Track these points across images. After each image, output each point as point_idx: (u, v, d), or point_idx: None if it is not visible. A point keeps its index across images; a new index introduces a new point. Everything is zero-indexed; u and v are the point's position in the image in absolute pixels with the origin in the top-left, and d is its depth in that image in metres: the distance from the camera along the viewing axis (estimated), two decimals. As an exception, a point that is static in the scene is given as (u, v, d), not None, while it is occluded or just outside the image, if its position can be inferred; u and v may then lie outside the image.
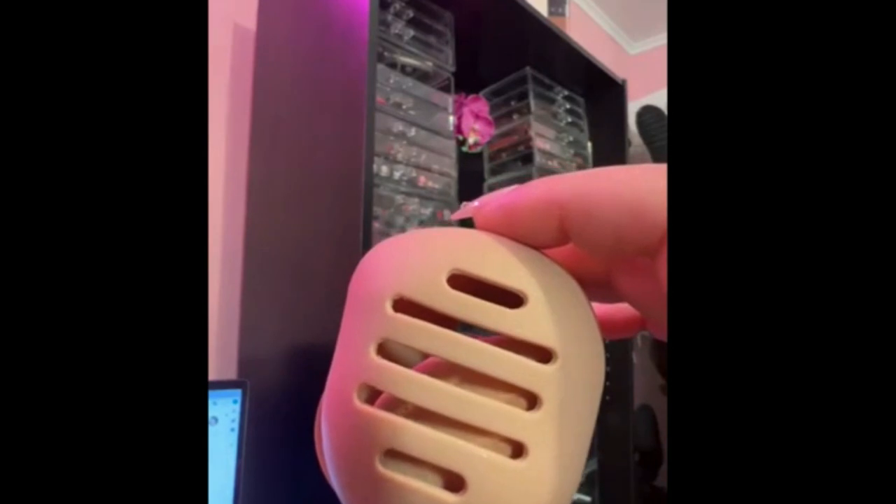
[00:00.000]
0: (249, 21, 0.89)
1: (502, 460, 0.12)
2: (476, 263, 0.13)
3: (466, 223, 0.15)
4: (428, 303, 0.12)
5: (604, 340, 0.15)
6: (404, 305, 0.12)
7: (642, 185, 0.12)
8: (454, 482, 0.12)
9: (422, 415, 0.12)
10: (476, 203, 0.15)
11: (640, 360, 1.41)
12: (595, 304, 0.15)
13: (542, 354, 0.12)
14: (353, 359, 0.13)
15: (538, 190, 0.13)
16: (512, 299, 0.13)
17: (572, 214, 0.13)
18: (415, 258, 0.13)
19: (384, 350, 0.13)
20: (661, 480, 1.49)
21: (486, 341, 0.12)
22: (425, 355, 0.13)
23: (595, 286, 0.16)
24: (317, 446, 0.15)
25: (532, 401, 0.12)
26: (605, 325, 0.17)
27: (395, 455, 0.12)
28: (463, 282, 0.12)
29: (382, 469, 0.12)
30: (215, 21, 0.87)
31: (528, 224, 0.14)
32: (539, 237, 0.14)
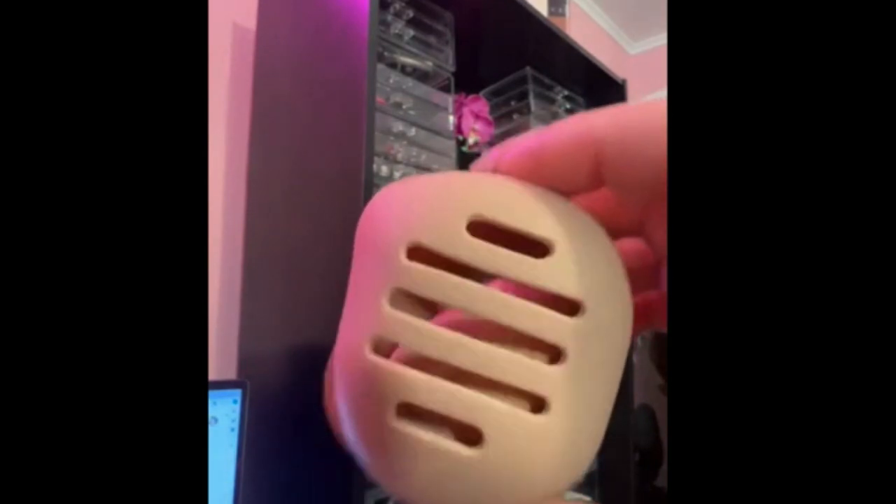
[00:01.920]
0: (249, 21, 0.89)
1: (522, 414, 0.11)
2: (499, 209, 0.12)
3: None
4: (446, 251, 0.11)
5: None
6: (420, 254, 0.12)
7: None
8: (471, 436, 0.11)
9: (437, 368, 0.11)
10: (496, 151, 0.14)
11: (640, 360, 1.41)
12: None
13: (568, 306, 0.12)
14: (365, 309, 0.12)
15: (571, 126, 0.12)
16: (537, 250, 0.12)
17: (611, 150, 0.12)
18: (432, 203, 0.12)
19: (398, 300, 0.12)
20: (661, 480, 1.49)
21: (507, 291, 0.12)
22: (440, 308, 0.13)
23: (627, 237, 0.14)
24: (326, 401, 0.14)
25: (556, 354, 0.11)
26: None
27: (410, 409, 0.11)
28: (484, 230, 0.12)
29: (396, 423, 0.11)
30: (215, 21, 0.87)
31: (559, 165, 0.12)
32: (571, 180, 0.13)
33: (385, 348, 0.12)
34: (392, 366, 0.11)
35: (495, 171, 0.13)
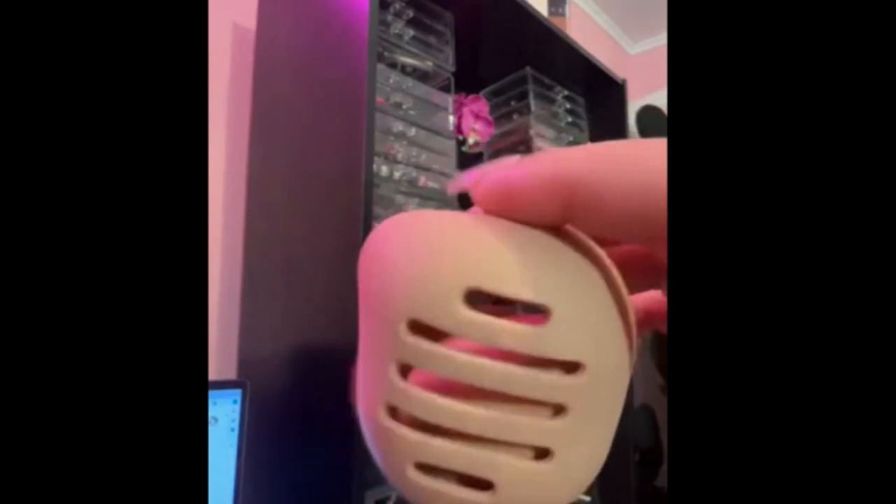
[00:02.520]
0: (249, 21, 0.89)
1: (528, 464, 0.12)
2: (493, 279, 0.12)
3: (465, 195, 0.15)
4: (443, 327, 0.12)
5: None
6: (421, 325, 0.12)
7: (657, 165, 0.11)
8: (484, 483, 0.12)
9: (447, 430, 0.12)
10: (474, 175, 0.14)
11: (641, 360, 1.41)
12: None
13: (568, 366, 0.12)
14: (377, 375, 0.13)
15: (543, 168, 0.12)
16: (536, 311, 0.12)
17: (580, 196, 0.12)
18: (427, 274, 0.12)
19: (406, 368, 0.13)
20: (661, 480, 1.49)
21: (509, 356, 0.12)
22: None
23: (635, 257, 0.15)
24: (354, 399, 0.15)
25: (558, 408, 0.12)
26: None
27: (427, 465, 0.12)
28: (482, 293, 0.12)
29: (415, 477, 0.12)
30: (215, 21, 0.87)
31: (530, 204, 0.13)
32: (540, 217, 0.13)
33: (401, 413, 0.13)
34: (406, 432, 0.12)
35: (472, 194, 0.14)
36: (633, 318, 0.14)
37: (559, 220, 0.13)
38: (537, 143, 1.07)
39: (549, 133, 1.12)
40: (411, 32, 0.81)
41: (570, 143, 1.18)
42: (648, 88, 1.48)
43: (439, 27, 0.85)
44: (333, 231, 0.65)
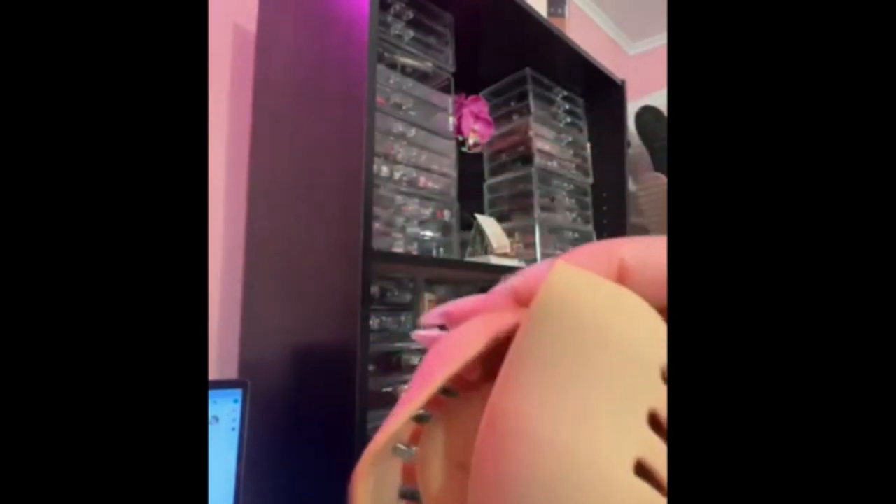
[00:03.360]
0: (249, 21, 0.89)
1: None
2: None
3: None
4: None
5: None
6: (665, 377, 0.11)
7: None
8: None
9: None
10: (517, 279, 0.15)
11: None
12: None
13: None
14: (625, 427, 0.11)
15: (593, 249, 0.15)
16: None
17: (629, 265, 0.14)
18: (661, 326, 0.12)
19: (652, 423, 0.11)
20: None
21: None
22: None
23: None
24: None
25: None
26: None
27: None
28: None
29: None
30: (215, 21, 0.87)
31: (589, 269, 0.14)
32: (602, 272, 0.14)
33: (649, 471, 0.11)
34: (659, 497, 0.11)
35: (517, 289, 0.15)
36: None
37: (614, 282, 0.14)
38: (537, 143, 1.07)
39: (549, 133, 1.13)
40: (411, 33, 0.81)
41: (570, 144, 1.18)
42: (648, 89, 1.48)
43: (439, 28, 0.85)
44: (334, 231, 0.65)
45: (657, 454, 0.11)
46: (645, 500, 0.10)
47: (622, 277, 0.14)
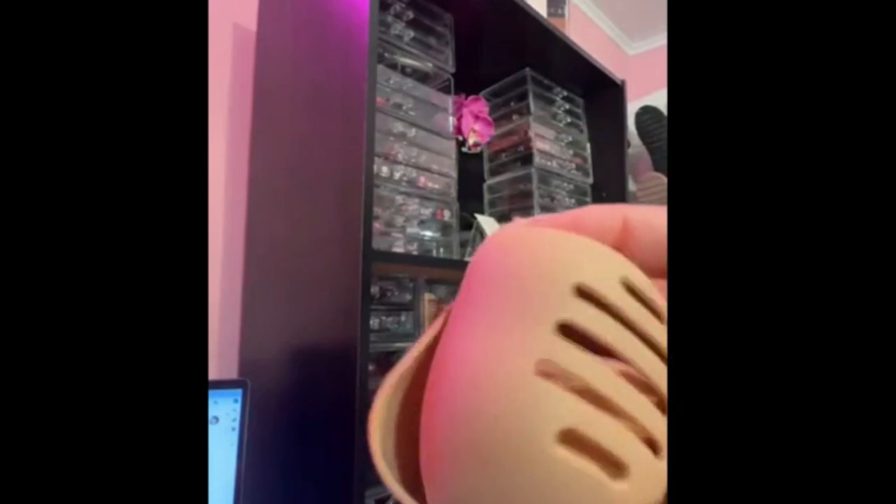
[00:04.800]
0: (249, 21, 0.89)
1: (652, 455, 0.12)
2: (642, 278, 0.13)
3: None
4: (608, 298, 0.13)
5: None
6: (585, 293, 0.13)
7: None
8: (616, 471, 0.12)
9: (591, 401, 0.12)
10: (530, 221, 0.16)
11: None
12: None
13: None
14: (527, 335, 0.12)
15: (603, 206, 0.15)
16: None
17: (633, 224, 0.15)
18: (595, 249, 0.13)
19: (561, 332, 0.13)
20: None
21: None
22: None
23: None
24: (425, 446, 0.14)
25: (663, 409, 0.13)
26: None
27: (568, 437, 0.12)
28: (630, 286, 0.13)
29: (557, 451, 0.11)
30: (215, 21, 0.87)
31: (595, 226, 0.15)
32: (603, 238, 0.15)
33: (551, 372, 0.12)
34: (563, 391, 0.12)
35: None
36: None
37: (615, 242, 0.15)
38: (537, 143, 1.07)
39: (549, 133, 1.13)
40: (411, 33, 0.81)
41: (570, 144, 1.18)
42: (647, 89, 1.48)
43: (439, 28, 0.86)
44: (334, 231, 0.65)
45: (560, 354, 0.12)
46: (542, 393, 0.12)
47: (625, 232, 0.15)
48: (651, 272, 0.15)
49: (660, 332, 0.13)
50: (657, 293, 0.13)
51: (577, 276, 0.13)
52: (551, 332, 0.12)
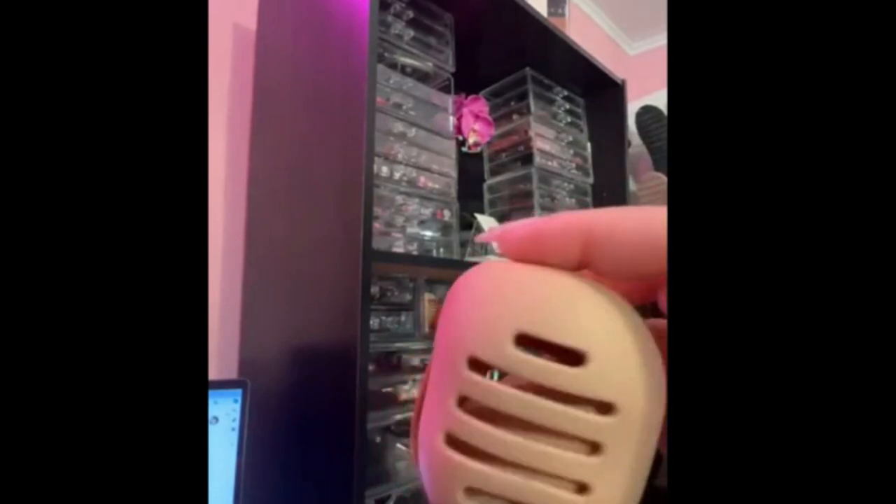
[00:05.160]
0: (249, 21, 0.89)
1: (569, 497, 0.13)
2: (541, 326, 0.14)
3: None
4: (496, 365, 0.14)
5: None
6: (480, 364, 0.14)
7: (659, 220, 0.14)
8: None
9: (499, 460, 0.14)
10: (499, 230, 0.16)
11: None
12: None
13: (604, 407, 0.14)
14: (440, 406, 0.15)
15: (566, 217, 0.15)
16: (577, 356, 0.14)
17: (596, 238, 0.14)
18: (485, 319, 0.14)
19: (465, 401, 0.14)
20: (662, 480, 1.49)
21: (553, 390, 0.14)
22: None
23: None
24: (412, 447, 0.17)
25: (595, 446, 0.14)
26: None
27: (476, 491, 0.14)
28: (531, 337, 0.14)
29: (465, 500, 0.14)
30: (215, 21, 0.87)
31: (554, 245, 0.15)
32: (564, 257, 0.15)
33: (456, 441, 0.14)
34: (460, 458, 0.14)
35: (499, 244, 0.16)
36: (661, 358, 0.15)
37: (578, 259, 0.15)
38: (537, 143, 1.07)
39: (549, 133, 1.13)
40: (411, 33, 0.81)
41: (570, 144, 1.18)
42: (648, 89, 1.48)
43: (439, 28, 0.86)
44: (334, 231, 0.65)
45: (461, 428, 0.14)
46: (448, 462, 0.14)
47: (589, 247, 0.15)
48: (628, 278, 0.15)
49: (567, 379, 0.13)
50: (567, 328, 0.14)
51: (467, 349, 0.14)
52: (454, 406, 0.14)
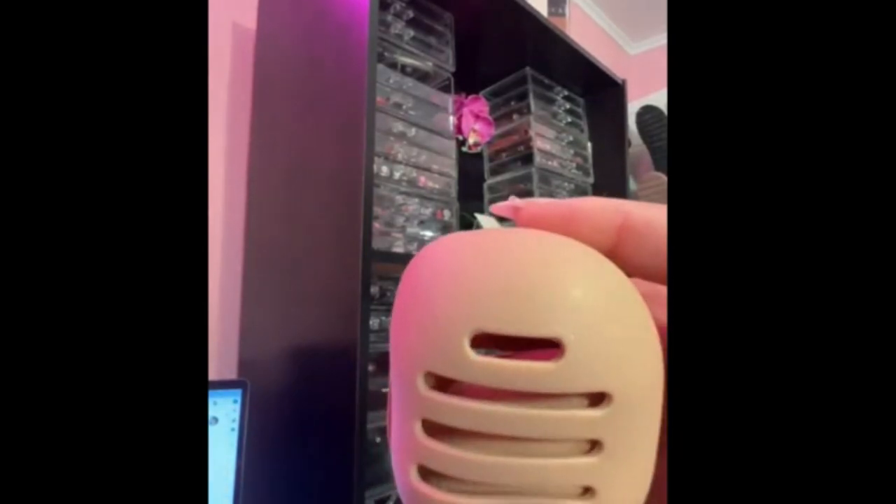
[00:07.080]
0: (249, 21, 0.89)
1: None
2: (498, 318, 0.11)
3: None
4: (457, 377, 0.11)
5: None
6: (437, 378, 0.12)
7: None
8: None
9: (485, 484, 0.12)
10: (517, 202, 0.15)
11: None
12: None
13: (595, 397, 0.11)
14: (405, 436, 0.12)
15: (598, 199, 0.15)
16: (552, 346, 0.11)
17: (633, 223, 0.14)
18: (435, 321, 0.12)
19: (429, 425, 0.12)
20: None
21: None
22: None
23: None
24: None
25: (593, 443, 0.12)
26: None
27: None
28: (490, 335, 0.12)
29: None
30: (215, 21, 0.87)
31: (591, 225, 0.14)
32: (598, 235, 0.14)
33: (432, 473, 0.12)
34: (433, 493, 0.12)
35: (516, 218, 0.15)
36: (657, 336, 0.13)
37: (613, 242, 0.14)
38: (537, 143, 1.07)
39: (549, 133, 1.13)
40: (411, 33, 0.81)
41: (570, 143, 1.18)
42: (648, 88, 1.48)
43: (439, 27, 0.85)
44: (334, 231, 0.65)
45: (432, 459, 0.12)
46: (421, 497, 0.12)
47: (624, 231, 0.14)
48: (648, 275, 0.14)
49: (543, 377, 0.11)
50: (533, 317, 0.11)
51: (420, 364, 0.12)
52: (420, 433, 0.12)
